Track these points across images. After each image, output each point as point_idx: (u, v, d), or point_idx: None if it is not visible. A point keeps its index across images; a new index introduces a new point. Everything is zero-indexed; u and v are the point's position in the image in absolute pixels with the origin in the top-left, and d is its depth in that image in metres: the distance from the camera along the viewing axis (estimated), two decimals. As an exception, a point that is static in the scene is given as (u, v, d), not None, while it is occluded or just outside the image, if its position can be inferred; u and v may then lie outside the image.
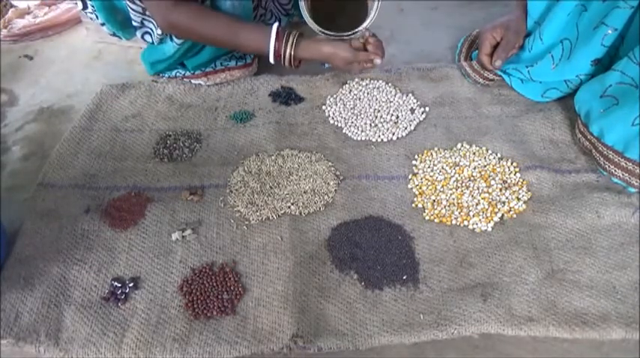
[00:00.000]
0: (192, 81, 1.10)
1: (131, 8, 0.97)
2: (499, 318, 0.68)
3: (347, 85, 1.07)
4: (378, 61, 0.97)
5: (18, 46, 1.34)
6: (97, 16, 1.06)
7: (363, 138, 0.96)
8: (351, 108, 1.02)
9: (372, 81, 1.09)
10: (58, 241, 0.80)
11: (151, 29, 1.01)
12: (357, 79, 1.09)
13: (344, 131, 0.98)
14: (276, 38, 0.95)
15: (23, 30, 1.35)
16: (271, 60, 0.97)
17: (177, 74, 1.11)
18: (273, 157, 0.93)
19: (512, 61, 1.00)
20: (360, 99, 1.03)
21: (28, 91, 1.18)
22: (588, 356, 0.66)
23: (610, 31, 0.83)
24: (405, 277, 0.74)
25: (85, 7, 1.05)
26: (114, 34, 1.11)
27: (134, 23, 1.01)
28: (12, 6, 1.45)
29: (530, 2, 0.98)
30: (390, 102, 1.02)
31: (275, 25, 0.96)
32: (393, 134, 0.96)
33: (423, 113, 1.00)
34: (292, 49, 0.96)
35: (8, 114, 1.12)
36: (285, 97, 1.06)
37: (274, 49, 0.96)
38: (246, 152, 0.95)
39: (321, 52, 0.97)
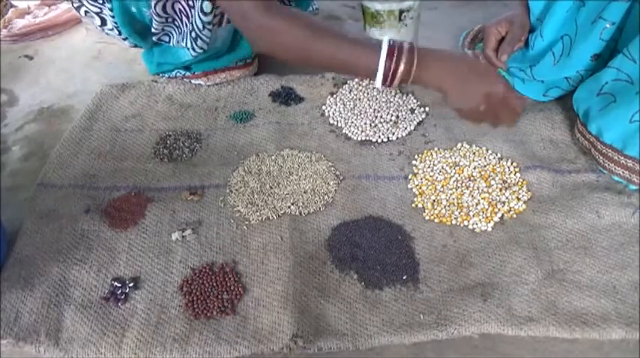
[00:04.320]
0: (192, 81, 1.11)
1: (156, 17, 0.95)
2: (499, 318, 0.68)
3: (347, 85, 1.07)
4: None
5: (18, 46, 1.34)
6: (119, 32, 1.04)
7: (363, 138, 0.96)
8: (351, 108, 1.02)
9: (372, 81, 1.09)
10: (58, 241, 0.80)
11: (170, 32, 1.01)
12: (357, 79, 1.09)
13: (344, 131, 0.98)
14: (387, 55, 0.73)
15: (23, 30, 1.36)
16: (378, 84, 0.76)
17: (178, 74, 1.11)
18: (273, 157, 0.93)
19: (516, 60, 1.00)
20: (360, 99, 1.03)
21: (28, 91, 1.19)
22: (588, 356, 0.66)
23: (608, 25, 0.83)
24: (405, 277, 0.74)
25: (103, 23, 1.03)
26: (135, 46, 1.10)
27: (154, 30, 1.00)
28: (12, 6, 1.45)
29: (531, 1, 0.99)
30: (390, 102, 1.02)
31: (386, 39, 0.74)
32: (393, 134, 0.96)
33: (423, 113, 1.00)
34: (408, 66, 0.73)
35: (8, 114, 1.12)
36: (285, 97, 1.06)
37: (384, 68, 0.74)
38: (246, 152, 0.95)
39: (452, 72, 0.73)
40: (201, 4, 0.90)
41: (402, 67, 0.73)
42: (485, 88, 0.75)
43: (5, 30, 1.36)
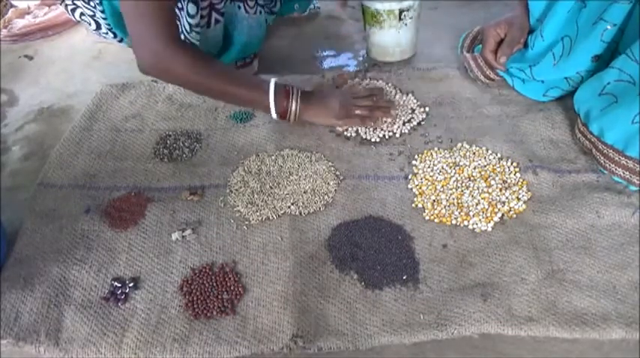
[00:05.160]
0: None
1: None
2: (499, 318, 0.68)
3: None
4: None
5: (18, 46, 1.35)
6: (114, 34, 1.05)
7: (363, 138, 0.96)
8: (351, 108, 1.01)
9: (372, 81, 1.09)
10: (58, 241, 0.80)
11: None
12: (357, 79, 1.09)
13: (344, 131, 0.98)
14: (275, 94, 0.91)
15: (23, 30, 1.36)
16: (274, 116, 0.93)
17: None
18: (273, 157, 0.93)
19: (516, 60, 1.00)
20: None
21: (28, 91, 1.19)
22: (588, 356, 0.66)
23: (609, 27, 0.83)
24: (405, 277, 0.74)
25: (98, 27, 1.04)
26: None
27: None
28: (12, 6, 1.45)
29: (531, 1, 0.99)
30: (390, 102, 1.02)
31: (273, 81, 0.91)
32: (393, 134, 0.96)
33: (423, 113, 1.00)
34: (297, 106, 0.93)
35: (8, 114, 1.12)
36: (285, 97, 1.06)
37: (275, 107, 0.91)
38: (246, 152, 0.95)
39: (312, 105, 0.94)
40: (187, 7, 0.89)
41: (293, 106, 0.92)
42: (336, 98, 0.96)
43: (5, 30, 1.36)
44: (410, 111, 1.01)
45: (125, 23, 0.88)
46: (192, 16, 0.91)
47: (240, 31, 1.03)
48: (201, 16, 0.93)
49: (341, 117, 0.95)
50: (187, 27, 0.93)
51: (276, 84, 0.91)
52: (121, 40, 1.07)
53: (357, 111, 0.96)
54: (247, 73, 1.06)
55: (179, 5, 0.92)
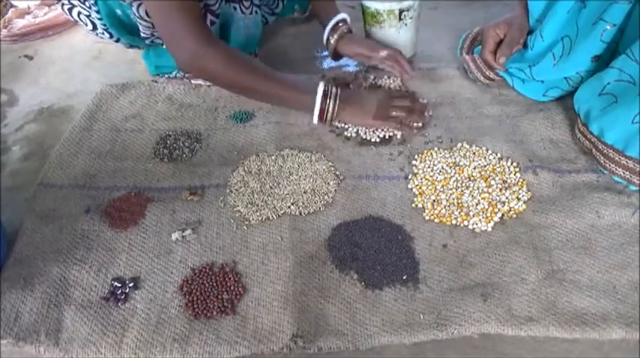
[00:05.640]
0: (192, 81, 1.10)
1: (141, 20, 0.96)
2: (499, 318, 0.68)
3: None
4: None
5: (18, 46, 1.34)
6: (110, 35, 1.05)
7: (363, 138, 0.96)
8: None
9: (376, 79, 1.09)
10: (58, 241, 0.80)
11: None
12: (360, 76, 1.09)
13: (344, 131, 0.98)
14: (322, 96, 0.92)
15: (23, 30, 1.36)
16: (315, 117, 0.94)
17: (178, 74, 1.11)
18: (273, 157, 0.93)
19: (515, 60, 1.00)
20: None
21: (28, 91, 1.19)
22: (588, 356, 0.66)
23: (609, 27, 0.83)
24: (405, 277, 0.74)
25: (94, 27, 1.04)
26: (131, 46, 1.10)
27: (143, 35, 1.00)
28: (12, 6, 1.45)
29: (531, 1, 0.99)
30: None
31: (321, 84, 0.93)
32: (394, 134, 0.96)
33: (428, 111, 1.00)
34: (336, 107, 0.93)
35: (8, 114, 1.12)
36: (285, 97, 1.06)
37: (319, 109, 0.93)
38: (246, 152, 0.95)
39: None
40: None
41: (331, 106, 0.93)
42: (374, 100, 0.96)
43: (5, 30, 1.36)
44: None
45: (155, 24, 0.90)
46: None
47: (237, 31, 1.03)
48: None
49: (378, 118, 0.95)
50: None
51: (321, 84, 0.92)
52: (117, 40, 1.07)
53: (394, 113, 0.95)
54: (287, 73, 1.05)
55: None
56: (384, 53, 1.03)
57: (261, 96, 0.98)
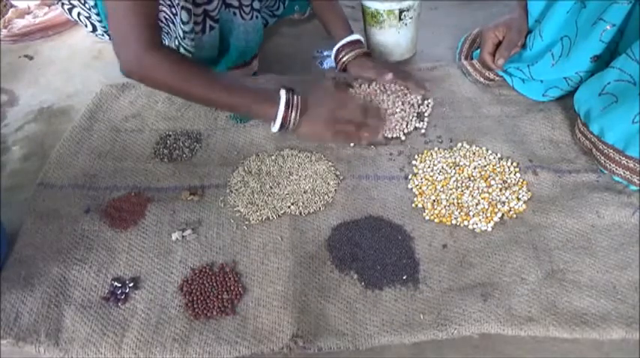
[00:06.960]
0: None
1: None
2: (499, 318, 0.68)
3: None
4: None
5: (18, 46, 1.34)
6: (109, 36, 1.05)
7: (363, 138, 0.96)
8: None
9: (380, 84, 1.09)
10: (58, 241, 0.80)
11: (162, 38, 1.01)
12: (358, 80, 1.09)
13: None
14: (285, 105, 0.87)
15: (23, 30, 1.36)
16: (276, 126, 0.89)
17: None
18: (273, 157, 0.93)
19: (514, 60, 1.00)
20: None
21: (28, 91, 1.18)
22: (588, 356, 0.66)
23: (608, 27, 0.83)
24: (405, 277, 0.74)
25: (94, 29, 1.04)
26: None
27: None
28: (12, 6, 1.45)
29: (530, 2, 0.99)
30: (390, 102, 1.02)
31: (283, 92, 0.87)
32: (394, 134, 0.96)
33: (428, 105, 1.00)
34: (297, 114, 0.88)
35: (8, 114, 1.12)
36: (286, 97, 1.06)
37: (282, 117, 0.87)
38: (246, 152, 0.95)
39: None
40: (180, 14, 0.89)
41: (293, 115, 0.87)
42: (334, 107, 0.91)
43: (5, 30, 1.36)
44: (416, 108, 1.00)
45: (108, 24, 0.85)
46: (185, 23, 0.90)
47: (237, 36, 1.02)
48: (196, 23, 0.93)
49: (326, 132, 0.90)
50: (181, 33, 0.93)
51: (283, 92, 0.87)
52: None
53: (339, 127, 0.90)
54: (237, 78, 1.01)
55: (173, 11, 0.92)
56: (389, 76, 1.01)
57: (213, 105, 0.94)
